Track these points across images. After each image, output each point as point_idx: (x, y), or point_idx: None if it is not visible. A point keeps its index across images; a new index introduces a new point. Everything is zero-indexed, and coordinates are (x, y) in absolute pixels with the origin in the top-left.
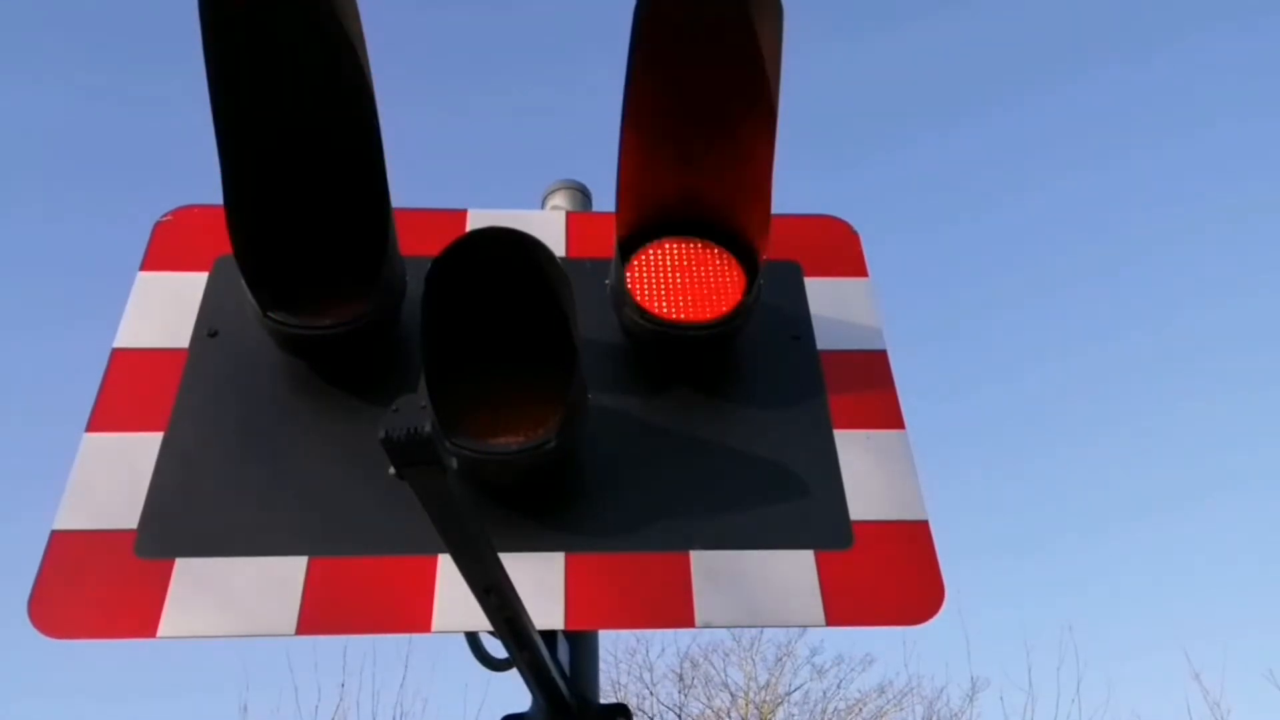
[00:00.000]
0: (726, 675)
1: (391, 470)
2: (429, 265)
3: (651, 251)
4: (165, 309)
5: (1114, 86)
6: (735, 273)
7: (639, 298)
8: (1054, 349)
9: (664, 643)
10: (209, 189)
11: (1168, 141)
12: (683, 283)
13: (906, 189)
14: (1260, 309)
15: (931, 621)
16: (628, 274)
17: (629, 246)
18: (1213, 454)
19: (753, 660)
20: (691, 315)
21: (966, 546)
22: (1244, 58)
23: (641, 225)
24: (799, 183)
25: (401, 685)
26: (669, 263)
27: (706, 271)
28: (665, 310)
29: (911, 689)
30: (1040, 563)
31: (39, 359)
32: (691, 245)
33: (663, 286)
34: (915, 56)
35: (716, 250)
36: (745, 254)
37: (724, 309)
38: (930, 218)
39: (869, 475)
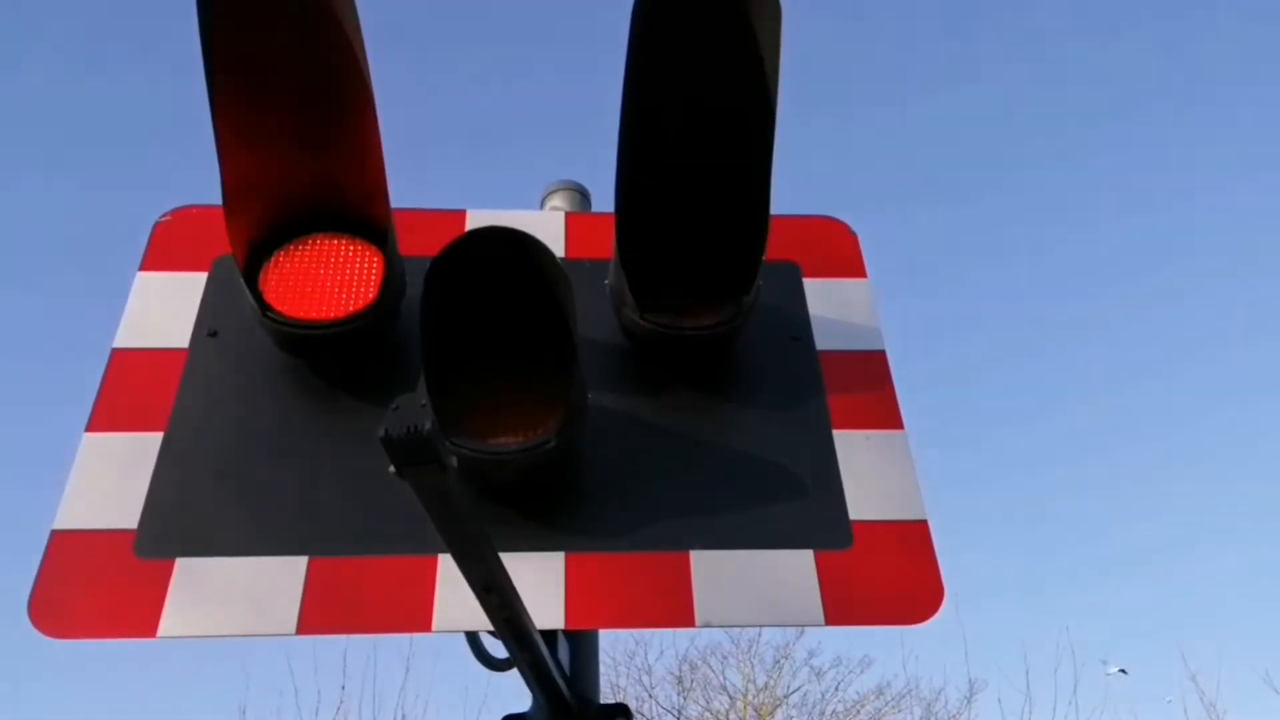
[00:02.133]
0: (725, 677)
1: (391, 469)
2: (428, 265)
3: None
4: (165, 309)
5: (1112, 153)
6: (734, 273)
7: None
8: (1057, 366)
9: (662, 645)
10: (210, 185)
11: (1185, 194)
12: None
13: (929, 241)
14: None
15: (931, 621)
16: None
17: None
18: (1212, 457)
19: (751, 662)
20: (690, 316)
21: (967, 548)
22: (1248, 117)
23: (641, 225)
24: None
25: (402, 687)
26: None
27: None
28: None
29: (909, 691)
30: (1039, 565)
31: (40, 357)
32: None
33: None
34: (930, 123)
35: (714, 251)
36: (745, 255)
37: (723, 310)
38: (952, 269)
39: (868, 475)
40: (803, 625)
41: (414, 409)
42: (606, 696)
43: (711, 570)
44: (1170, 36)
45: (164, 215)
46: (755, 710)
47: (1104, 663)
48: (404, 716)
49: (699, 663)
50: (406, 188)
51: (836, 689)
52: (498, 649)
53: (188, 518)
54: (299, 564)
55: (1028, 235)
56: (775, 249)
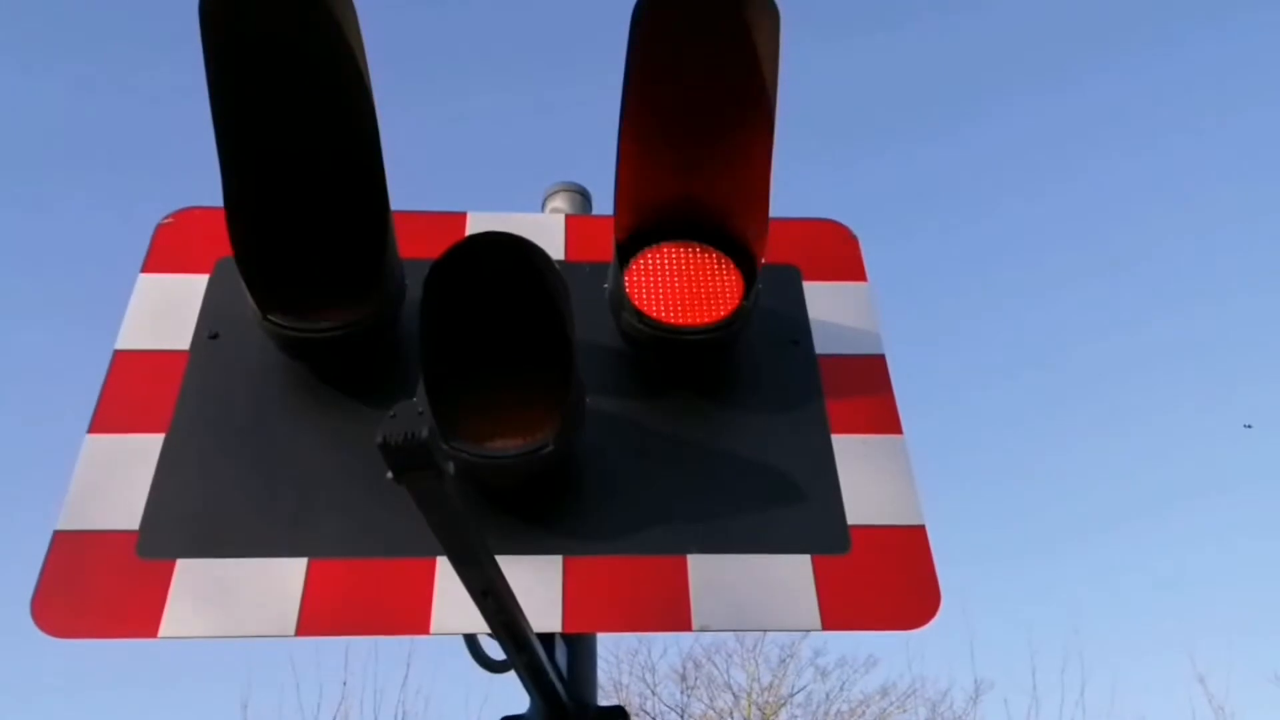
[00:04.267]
0: (729, 676)
1: (389, 474)
2: (428, 268)
3: (650, 256)
4: (166, 311)
5: (1105, 89)
6: (734, 277)
7: (638, 302)
8: (1058, 352)
9: (666, 643)
10: (210, 186)
11: (1158, 143)
12: (681, 287)
13: (902, 193)
14: (1259, 308)
15: (927, 626)
16: (626, 278)
17: (627, 250)
18: (1217, 457)
19: (756, 661)
20: (689, 319)
21: (971, 549)
22: (1234, 56)
23: (640, 229)
24: (794, 185)
25: (404, 685)
26: (667, 267)
27: (705, 276)
28: (663, 314)
29: (915, 691)
30: (1045, 565)
31: (41, 359)
32: (690, 249)
33: (661, 291)
34: (907, 61)
35: (715, 254)
36: (743, 258)
37: (722, 313)
38: (926, 221)
39: (866, 480)
40: (799, 630)
41: (411, 415)
42: (609, 694)
43: (709, 574)
44: None
45: (166, 217)
46: (759, 709)
47: (1247, 425)
48: (405, 714)
49: (703, 661)
50: (407, 189)
51: (841, 689)
52: (496, 651)
53: (189, 519)
54: (299, 565)
55: (1000, 181)
56: (775, 252)
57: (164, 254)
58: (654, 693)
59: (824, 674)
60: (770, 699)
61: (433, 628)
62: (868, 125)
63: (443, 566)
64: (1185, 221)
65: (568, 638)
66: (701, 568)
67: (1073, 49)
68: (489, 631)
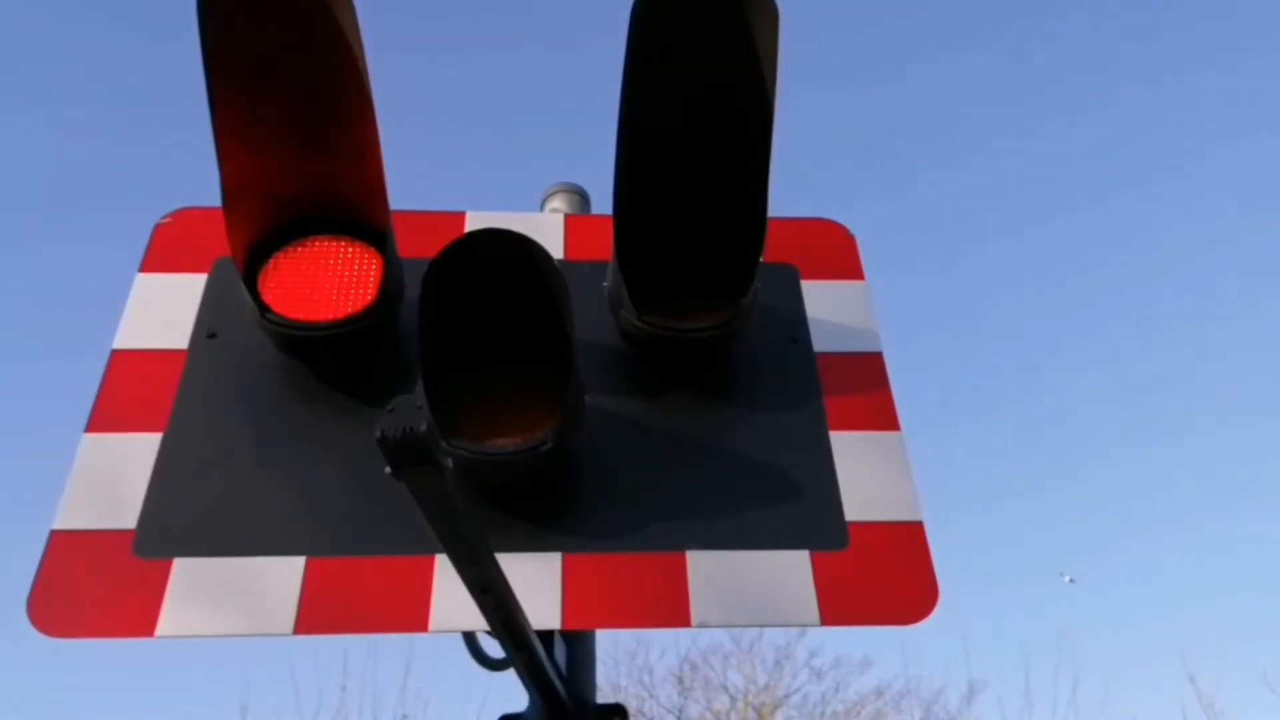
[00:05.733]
0: (726, 678)
1: (388, 470)
2: (427, 267)
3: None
4: (164, 310)
5: (1117, 114)
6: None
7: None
8: (1054, 365)
9: (663, 645)
10: (208, 187)
11: (1171, 166)
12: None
13: (911, 219)
14: (1261, 326)
15: (926, 621)
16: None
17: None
18: (1210, 460)
19: (752, 663)
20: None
21: (965, 549)
22: (1235, 83)
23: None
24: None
25: (403, 688)
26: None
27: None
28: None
29: (909, 692)
30: (1038, 566)
31: (39, 361)
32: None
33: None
34: (909, 96)
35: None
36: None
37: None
38: (933, 249)
39: (864, 476)
40: (798, 626)
41: (410, 410)
42: (607, 696)
43: (708, 571)
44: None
45: (164, 217)
46: (756, 710)
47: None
48: (404, 716)
49: (700, 663)
50: (406, 188)
51: (837, 689)
52: (495, 649)
53: (186, 518)
54: (297, 564)
55: (1010, 205)
56: (773, 251)
57: (162, 253)
58: (651, 695)
59: (819, 675)
60: (766, 700)
61: (431, 625)
62: (867, 160)
63: (442, 564)
64: (1198, 242)
65: (567, 635)
66: (700, 564)
67: (1077, 70)
68: (488, 629)
